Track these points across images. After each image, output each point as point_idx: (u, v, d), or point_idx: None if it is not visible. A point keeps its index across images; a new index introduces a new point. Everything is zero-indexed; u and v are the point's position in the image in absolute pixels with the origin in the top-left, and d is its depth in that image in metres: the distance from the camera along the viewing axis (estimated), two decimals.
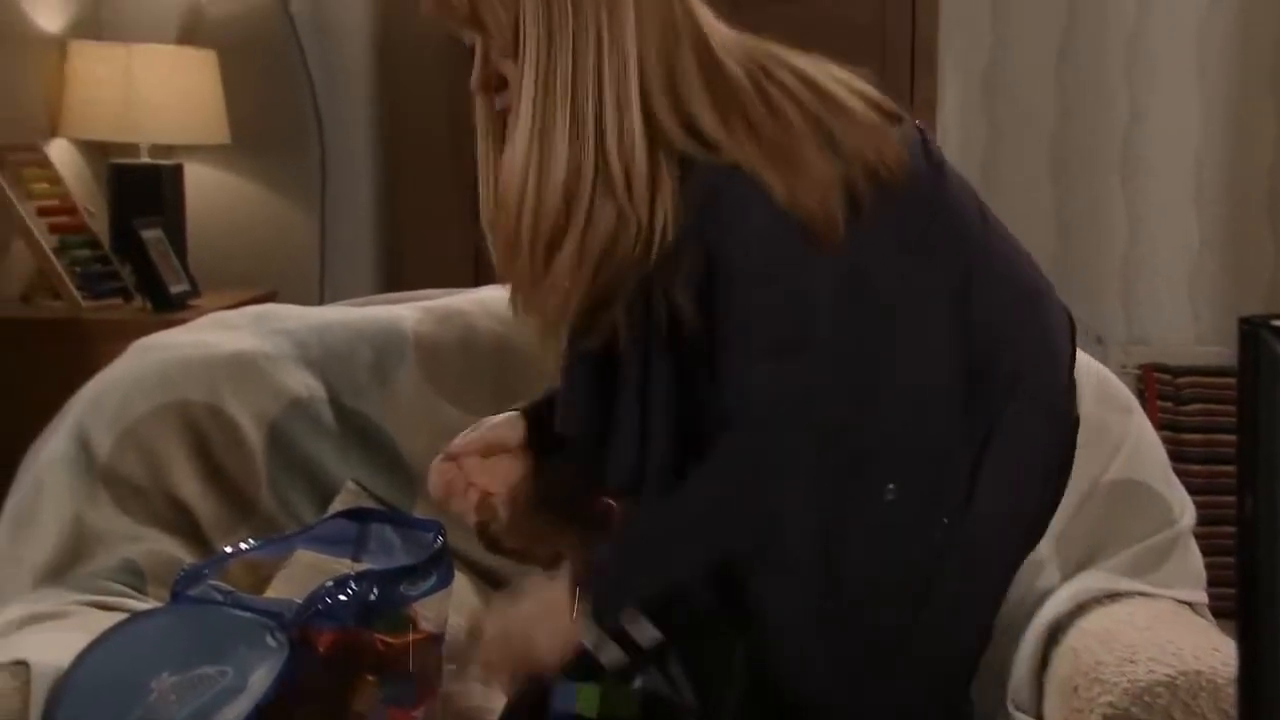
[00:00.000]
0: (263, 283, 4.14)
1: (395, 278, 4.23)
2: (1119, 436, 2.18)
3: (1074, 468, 1.87)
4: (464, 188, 3.89)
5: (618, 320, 1.68)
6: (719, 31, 1.72)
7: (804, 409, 1.64)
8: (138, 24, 4.18)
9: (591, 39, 1.64)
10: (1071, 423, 1.81)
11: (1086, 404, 2.03)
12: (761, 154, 1.64)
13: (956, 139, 4.21)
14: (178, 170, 3.97)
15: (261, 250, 4.21)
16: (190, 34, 4.19)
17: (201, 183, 4.16)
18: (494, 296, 2.76)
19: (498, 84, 1.70)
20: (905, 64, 3.85)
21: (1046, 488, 1.80)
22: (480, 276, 3.74)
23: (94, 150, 4.04)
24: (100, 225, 3.83)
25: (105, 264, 3.68)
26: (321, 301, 4.10)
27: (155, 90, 3.88)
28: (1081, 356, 2.14)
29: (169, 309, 3.62)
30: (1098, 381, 2.21)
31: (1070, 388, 1.81)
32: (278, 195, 4.23)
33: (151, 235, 3.70)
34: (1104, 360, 2.72)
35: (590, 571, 1.68)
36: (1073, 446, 1.82)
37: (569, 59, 1.63)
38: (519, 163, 1.64)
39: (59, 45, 3.94)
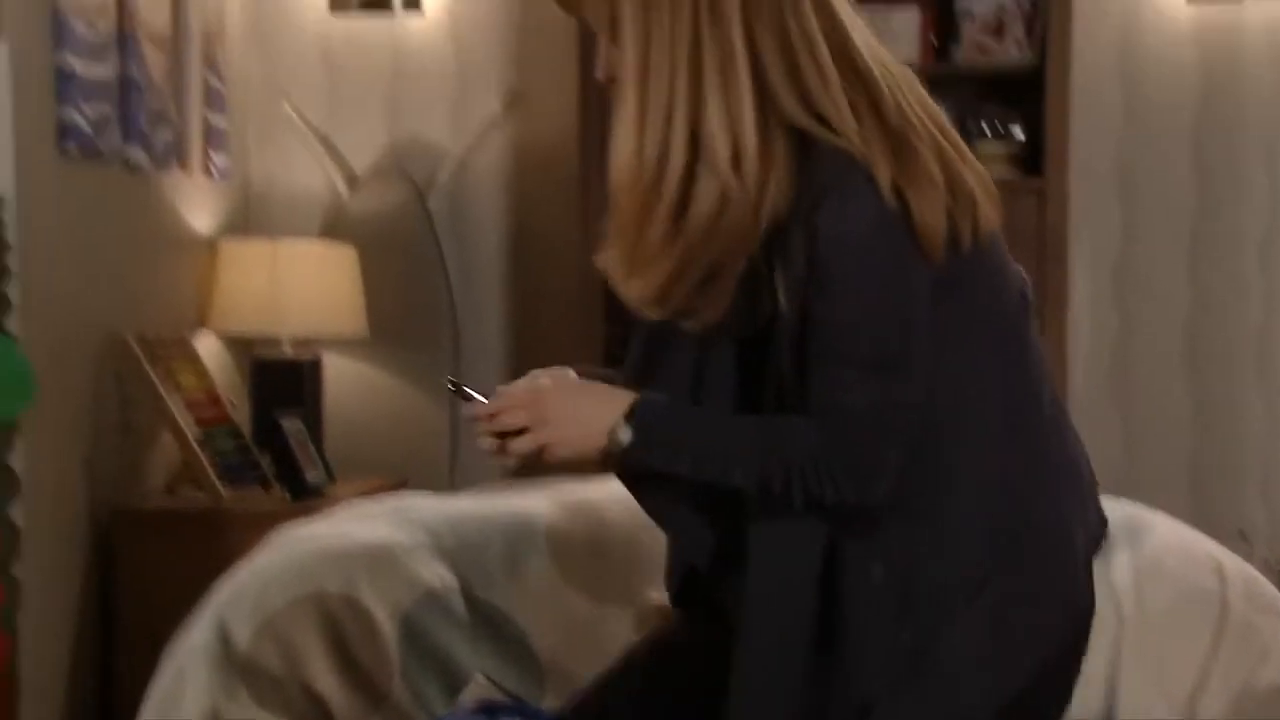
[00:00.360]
0: (395, 470, 4.20)
1: (524, 469, 4.26)
2: (1269, 640, 2.10)
3: (1216, 666, 1.82)
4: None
5: (723, 301, 1.68)
6: (860, 27, 1.73)
7: (897, 426, 1.66)
8: (284, 221, 4.33)
9: (687, 15, 1.64)
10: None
11: (1233, 602, 1.98)
12: (887, 149, 1.65)
13: (1088, 330, 4.19)
14: (317, 362, 4.07)
15: (394, 438, 4.29)
16: (333, 230, 4.32)
17: (339, 374, 4.25)
18: (624, 488, 2.78)
19: (613, 72, 1.71)
20: (1034, 256, 3.86)
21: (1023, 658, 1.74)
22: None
23: (238, 343, 4.16)
24: (242, 416, 3.93)
25: (246, 454, 3.77)
26: (451, 489, 4.15)
27: (298, 285, 4.00)
28: (1225, 554, 2.10)
29: (306, 497, 3.69)
30: (1244, 581, 2.14)
31: (1088, 564, 1.80)
32: (411, 385, 4.31)
33: (291, 425, 3.78)
34: (1248, 557, 2.66)
35: (646, 400, 1.70)
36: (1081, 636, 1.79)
37: (666, 36, 1.64)
38: (618, 142, 1.66)
39: (210, 244, 4.09)
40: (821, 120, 1.65)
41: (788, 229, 1.65)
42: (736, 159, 1.63)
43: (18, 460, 3.22)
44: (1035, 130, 3.96)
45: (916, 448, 1.68)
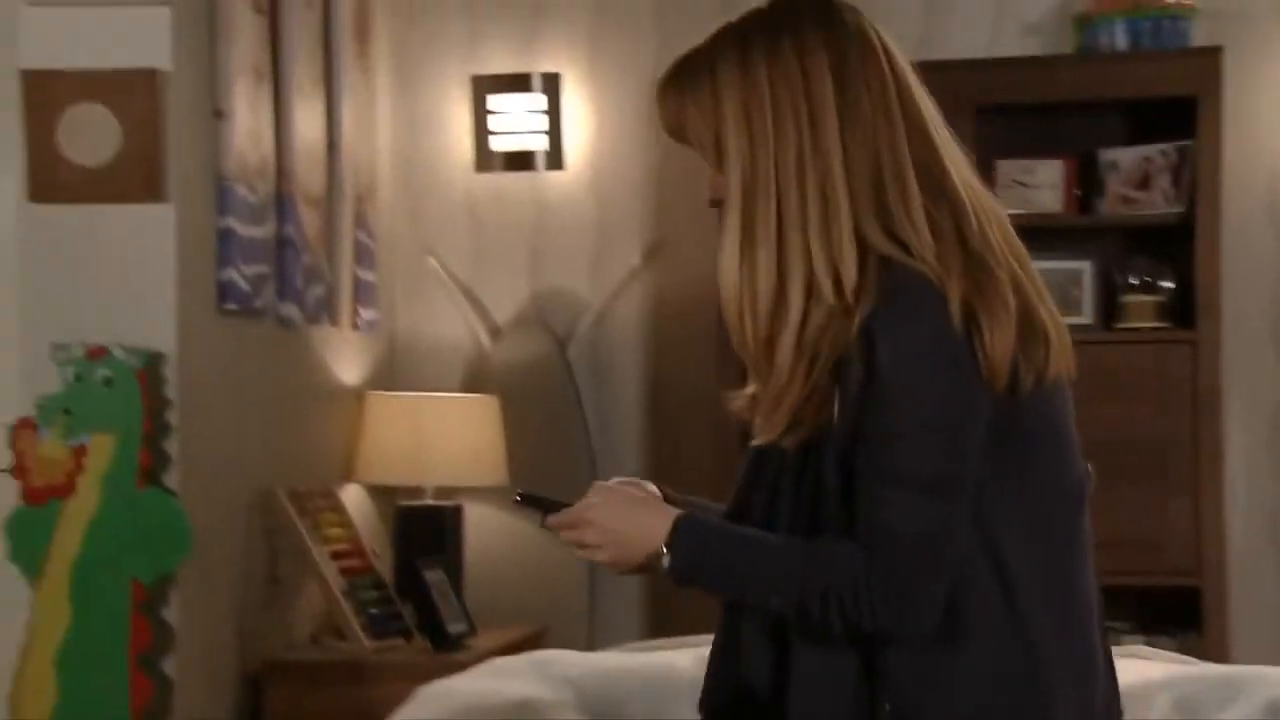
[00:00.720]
0: (534, 619, 4.22)
1: (663, 616, 4.27)
2: None
3: None
4: None
5: (827, 413, 1.68)
6: (953, 152, 1.73)
7: (946, 553, 1.63)
8: (428, 371, 4.41)
9: (793, 151, 1.66)
10: None
11: None
12: (963, 270, 1.64)
13: (1245, 485, 4.10)
14: (459, 511, 4.11)
15: (534, 587, 4.31)
16: (475, 379, 4.40)
17: (480, 522, 4.30)
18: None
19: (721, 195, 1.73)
20: (1188, 409, 3.80)
21: None
22: None
23: (382, 492, 4.23)
24: (385, 565, 3.98)
25: (389, 605, 3.81)
26: (590, 638, 4.15)
27: (442, 436, 4.07)
28: None
29: (448, 648, 3.72)
30: None
31: None
32: (550, 534, 4.33)
33: (433, 575, 3.82)
34: None
35: (686, 525, 1.71)
36: None
37: (770, 170, 1.66)
38: (727, 272, 1.69)
39: (357, 396, 4.18)
40: (903, 246, 1.66)
41: (857, 336, 1.65)
42: (838, 285, 1.65)
43: (172, 614, 3.29)
44: (1185, 281, 3.91)
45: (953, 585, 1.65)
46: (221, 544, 3.51)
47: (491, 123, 4.35)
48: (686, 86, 1.72)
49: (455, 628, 3.79)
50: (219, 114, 3.45)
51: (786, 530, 1.70)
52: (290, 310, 3.75)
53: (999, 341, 1.62)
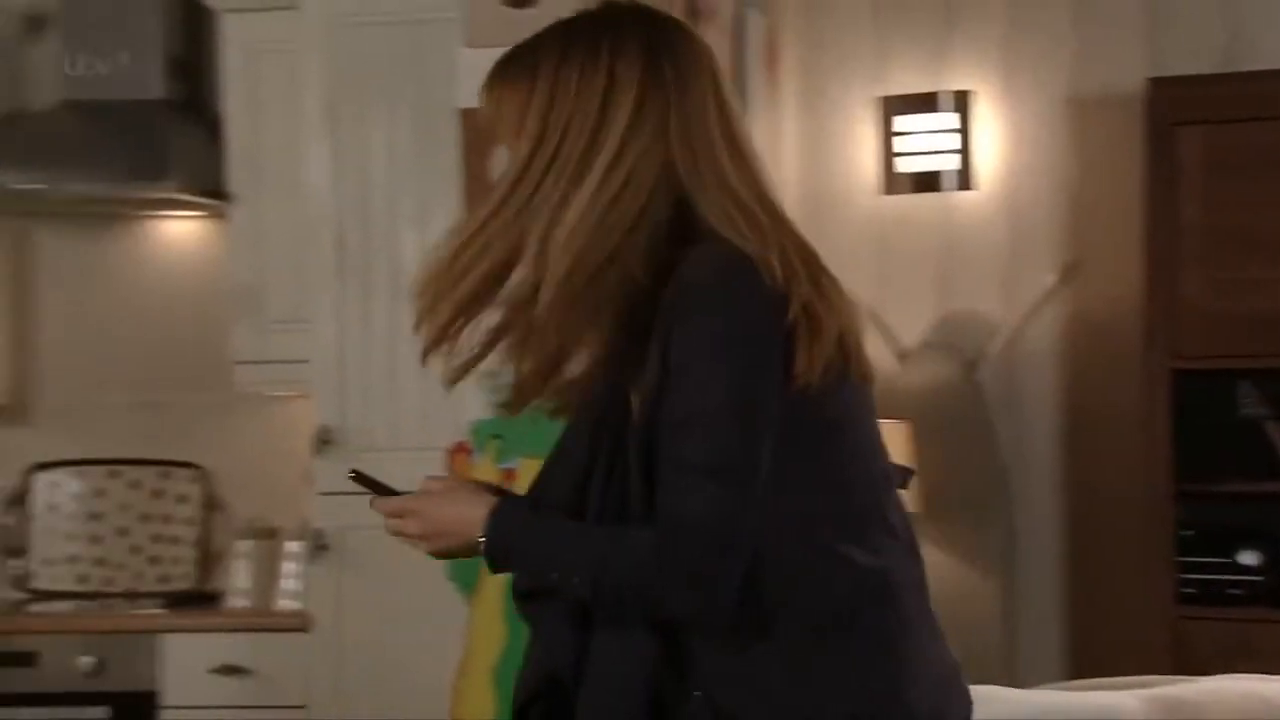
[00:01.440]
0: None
1: (1084, 658, 4.12)
2: None
3: None
4: (1164, 570, 3.78)
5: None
6: (764, 170, 1.77)
7: (737, 538, 1.63)
8: None
9: (579, 145, 1.70)
10: None
11: None
12: (807, 273, 1.69)
13: None
14: None
15: (948, 618, 4.20)
16: (882, 407, 4.32)
17: None
18: (1228, 688, 2.63)
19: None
20: None
21: None
22: (1181, 664, 3.59)
23: None
24: None
25: None
26: (1008, 672, 4.04)
27: None
28: None
29: None
30: None
31: None
32: (965, 563, 4.25)
33: None
34: None
35: (500, 512, 1.74)
36: None
37: (548, 158, 1.71)
38: (460, 237, 1.73)
39: None
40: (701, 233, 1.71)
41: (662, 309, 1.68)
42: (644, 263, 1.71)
43: None
44: None
45: (751, 577, 1.65)
46: None
47: (898, 144, 4.29)
48: (509, 77, 1.76)
49: None
50: None
51: (597, 515, 1.74)
52: None
53: (822, 345, 1.66)
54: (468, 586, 3.34)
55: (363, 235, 3.87)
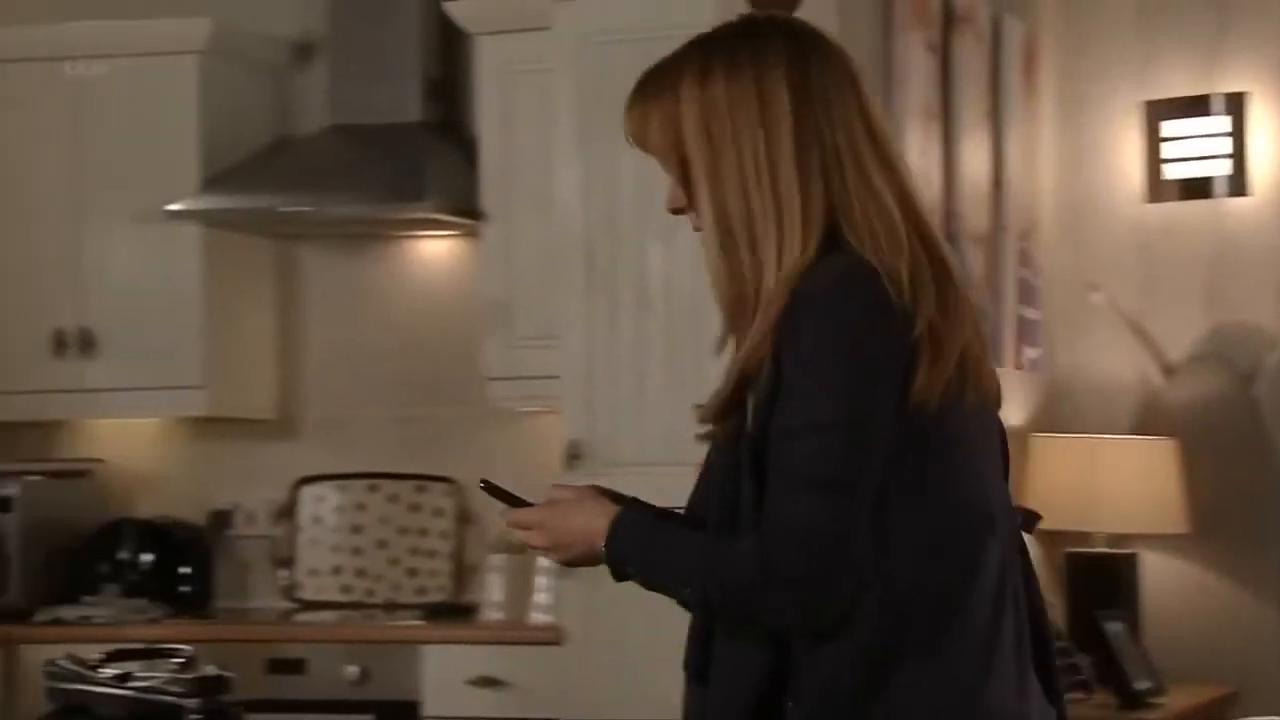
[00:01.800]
0: (1224, 679, 3.95)
1: None
2: None
3: None
4: None
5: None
6: (913, 179, 1.75)
7: (846, 552, 1.63)
8: (1091, 412, 4.23)
9: (750, 160, 1.72)
10: None
11: None
12: (936, 290, 1.67)
13: None
14: (1133, 560, 3.92)
15: (1221, 645, 4.03)
16: (1146, 420, 4.18)
17: (1158, 572, 4.07)
18: None
19: (684, 205, 1.79)
20: None
21: None
22: None
23: (1046, 538, 4.08)
24: (1056, 614, 3.84)
25: (1065, 656, 3.67)
26: None
27: (1114, 480, 3.90)
28: None
29: (1135, 706, 3.53)
30: None
31: None
32: (1241, 586, 4.06)
33: (1114, 628, 3.65)
34: None
35: (620, 523, 1.75)
36: None
37: (735, 177, 1.72)
38: (719, 275, 1.74)
39: (1020, 438, 4.06)
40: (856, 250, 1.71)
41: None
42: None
43: None
44: None
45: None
46: None
47: (1165, 150, 4.13)
48: (651, 97, 1.78)
49: (1141, 684, 3.60)
50: None
51: (714, 525, 1.72)
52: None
53: (944, 365, 1.65)
54: None
55: (611, 251, 3.88)
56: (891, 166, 1.73)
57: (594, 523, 1.76)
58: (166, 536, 4.50)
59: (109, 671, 2.97)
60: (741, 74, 1.73)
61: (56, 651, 3.97)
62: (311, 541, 4.56)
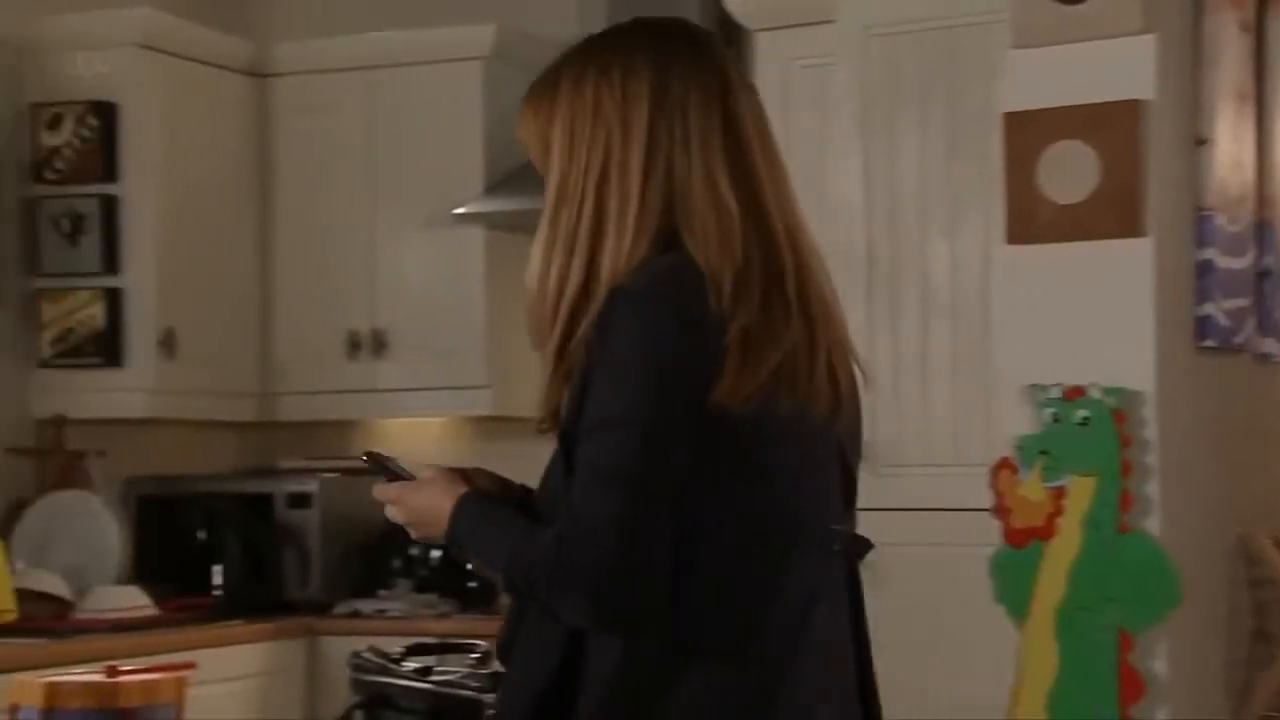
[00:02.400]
0: None
1: None
2: None
3: None
4: None
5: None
6: (781, 188, 1.77)
7: (617, 546, 1.65)
8: None
9: (598, 166, 1.75)
10: None
11: None
12: (760, 302, 1.70)
13: None
14: None
15: None
16: None
17: None
18: None
19: None
20: None
21: None
22: None
23: None
24: None
25: None
26: None
27: None
28: None
29: None
30: None
31: None
32: None
33: None
34: None
35: (462, 504, 1.79)
36: None
37: (580, 180, 1.75)
38: (537, 274, 1.77)
39: None
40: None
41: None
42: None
43: (1161, 666, 3.15)
44: None
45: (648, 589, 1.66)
46: (1204, 593, 3.33)
47: None
48: (534, 99, 1.82)
49: None
50: (1200, 142, 3.31)
51: (543, 514, 1.74)
52: (1271, 345, 3.52)
53: (754, 370, 1.67)
54: (1017, 609, 3.22)
55: (892, 248, 3.81)
56: (748, 173, 1.75)
57: (441, 502, 1.80)
58: None
59: (410, 665, 3.03)
60: (611, 77, 1.77)
61: (354, 643, 4.13)
62: None
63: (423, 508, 1.82)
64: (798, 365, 1.71)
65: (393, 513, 1.85)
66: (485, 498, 1.81)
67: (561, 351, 1.74)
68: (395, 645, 3.15)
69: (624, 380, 1.67)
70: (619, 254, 1.73)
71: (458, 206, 4.43)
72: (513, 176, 4.46)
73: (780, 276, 1.72)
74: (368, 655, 3.08)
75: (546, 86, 1.82)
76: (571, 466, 1.69)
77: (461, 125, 4.48)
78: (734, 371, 1.67)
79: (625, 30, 1.83)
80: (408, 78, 4.52)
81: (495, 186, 4.47)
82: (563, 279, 1.74)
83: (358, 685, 3.05)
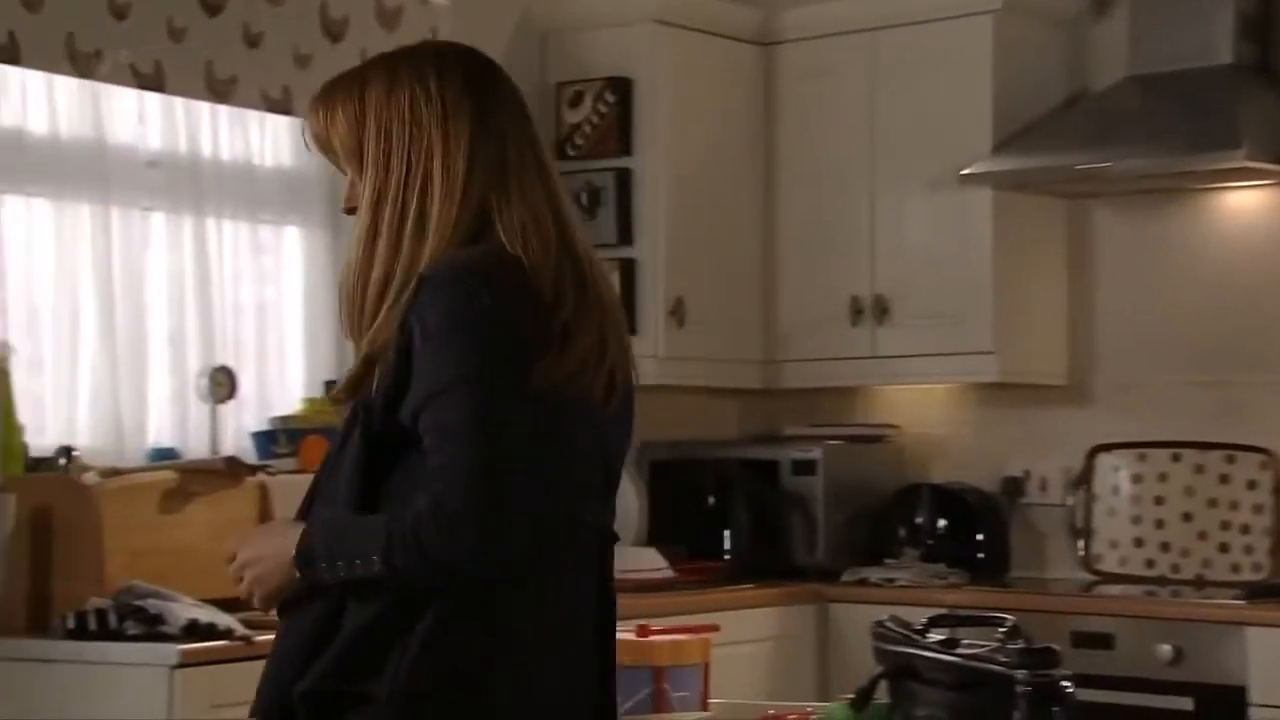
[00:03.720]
0: None
1: None
2: None
3: None
4: None
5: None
6: (568, 204, 1.99)
7: (486, 486, 1.80)
8: None
9: (420, 169, 1.92)
10: None
11: None
12: (567, 279, 1.92)
13: None
14: None
15: None
16: None
17: None
18: None
19: (358, 204, 1.98)
20: None
21: None
22: None
23: None
24: None
25: None
26: None
27: None
28: None
29: None
30: None
31: None
32: None
33: None
34: None
35: (306, 531, 1.89)
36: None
37: (400, 181, 1.92)
38: (351, 263, 1.93)
39: None
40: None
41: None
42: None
43: None
44: None
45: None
46: None
47: None
48: (337, 101, 1.98)
49: None
50: None
51: (349, 505, 1.87)
52: None
53: (569, 359, 1.87)
54: None
55: None
56: (552, 189, 1.96)
57: (285, 542, 1.87)
58: (961, 503, 4.50)
59: (935, 636, 2.96)
60: (428, 88, 1.94)
61: (863, 611, 4.12)
62: (1109, 512, 4.41)
63: (267, 557, 1.90)
64: (589, 360, 1.90)
65: (241, 588, 1.93)
66: (326, 517, 1.90)
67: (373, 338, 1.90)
68: (907, 615, 3.10)
69: (449, 350, 1.82)
70: (439, 252, 1.89)
71: (963, 167, 4.32)
72: (1020, 134, 4.32)
73: (582, 280, 1.92)
74: (890, 625, 3.04)
75: (352, 91, 1.97)
76: (371, 440, 1.87)
77: (969, 82, 4.36)
78: (554, 357, 1.86)
79: (429, 49, 2.04)
80: (912, 37, 4.43)
81: (1003, 145, 4.33)
82: (387, 273, 1.89)
83: (881, 655, 3.01)
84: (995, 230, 4.35)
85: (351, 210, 1.99)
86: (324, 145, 2.02)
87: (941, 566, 4.36)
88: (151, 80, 3.69)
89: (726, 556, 4.42)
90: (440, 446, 1.81)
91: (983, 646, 2.88)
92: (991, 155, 4.31)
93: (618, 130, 4.41)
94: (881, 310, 4.50)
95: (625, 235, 4.42)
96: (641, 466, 4.55)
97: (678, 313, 4.43)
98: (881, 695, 2.71)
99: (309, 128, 2.02)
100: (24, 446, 3.46)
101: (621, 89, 4.42)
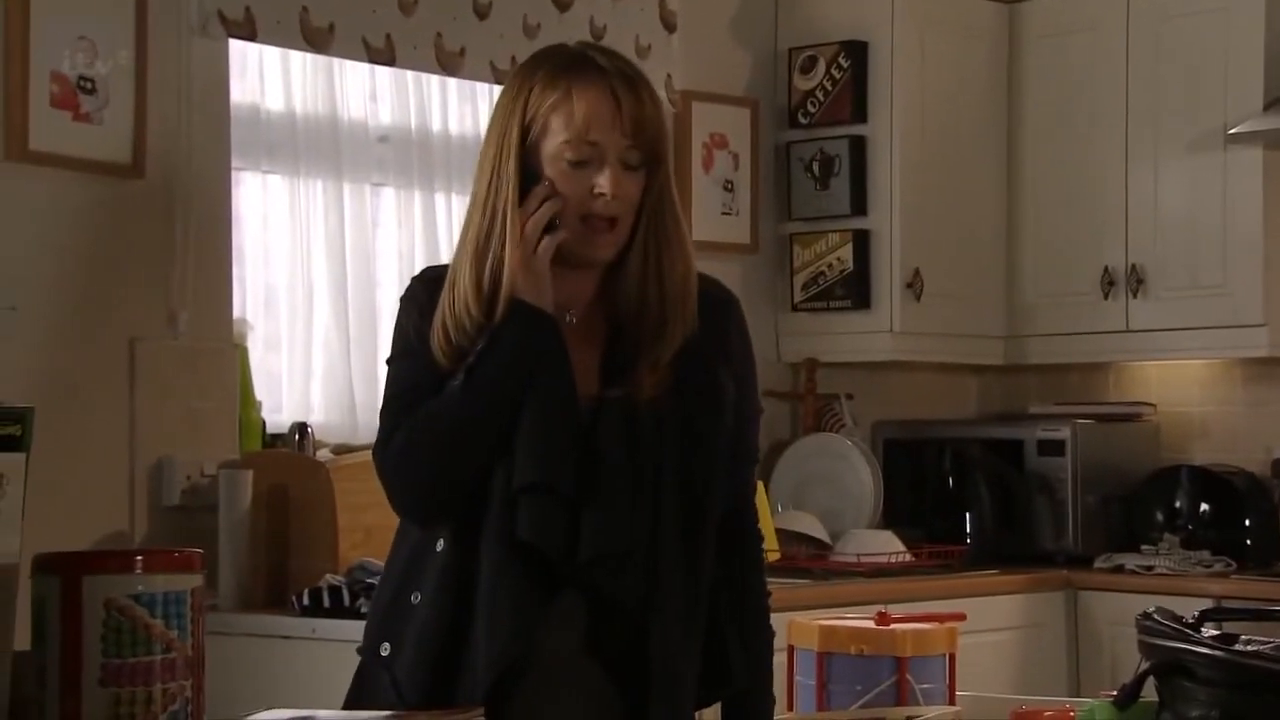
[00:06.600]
0: None
1: None
2: None
3: None
4: None
5: None
6: None
7: (387, 457, 2.16)
8: None
9: (487, 181, 2.07)
10: None
11: None
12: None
13: None
14: None
15: None
16: None
17: None
18: None
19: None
20: None
21: None
22: None
23: None
24: None
25: None
26: None
27: None
28: None
29: None
30: None
31: None
32: None
33: None
34: None
35: None
36: None
37: (483, 190, 2.08)
38: (457, 265, 2.14)
39: None
40: None
41: None
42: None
43: None
44: None
45: None
46: None
47: None
48: (654, 97, 2.04)
49: None
50: None
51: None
52: None
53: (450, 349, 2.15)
54: None
55: None
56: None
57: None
58: (1225, 485, 4.22)
59: (1208, 631, 2.71)
60: (516, 101, 2.09)
61: (1117, 600, 3.89)
62: None
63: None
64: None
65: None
66: None
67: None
68: (1168, 605, 2.88)
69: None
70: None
71: (1231, 126, 4.02)
72: None
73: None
74: (1158, 617, 2.81)
75: (651, 89, 2.03)
76: None
77: (1237, 33, 4.06)
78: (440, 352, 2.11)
79: (535, 59, 2.09)
80: None
81: (1276, 101, 4.02)
82: (473, 271, 2.12)
83: (1148, 649, 2.79)
84: (1267, 193, 4.05)
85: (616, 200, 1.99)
86: (638, 128, 1.99)
87: (1205, 554, 4.09)
88: (383, 54, 3.62)
89: (967, 541, 4.22)
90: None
91: (1265, 643, 2.64)
92: (1263, 113, 3.99)
93: (852, 96, 4.24)
94: (1137, 281, 4.24)
95: (859, 205, 4.25)
96: (875, 445, 4.39)
97: (914, 285, 4.24)
98: (1147, 693, 2.47)
99: (632, 108, 1.98)
100: (262, 423, 3.45)
101: (856, 53, 4.24)
